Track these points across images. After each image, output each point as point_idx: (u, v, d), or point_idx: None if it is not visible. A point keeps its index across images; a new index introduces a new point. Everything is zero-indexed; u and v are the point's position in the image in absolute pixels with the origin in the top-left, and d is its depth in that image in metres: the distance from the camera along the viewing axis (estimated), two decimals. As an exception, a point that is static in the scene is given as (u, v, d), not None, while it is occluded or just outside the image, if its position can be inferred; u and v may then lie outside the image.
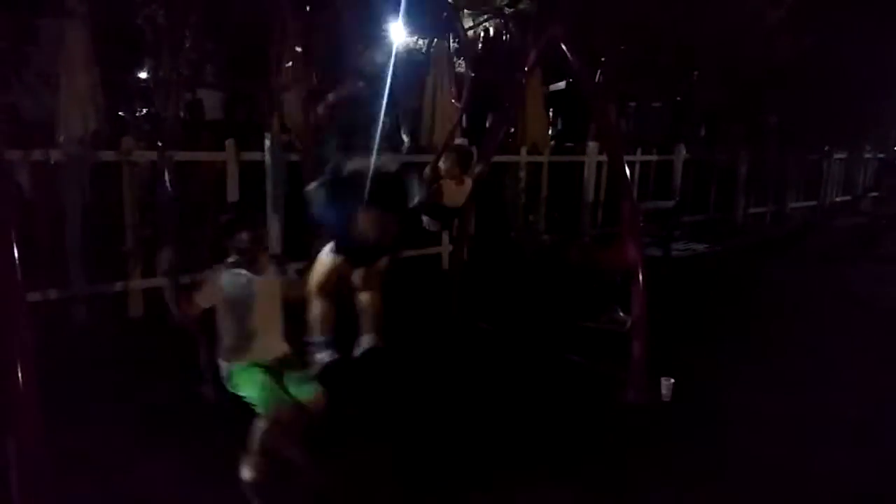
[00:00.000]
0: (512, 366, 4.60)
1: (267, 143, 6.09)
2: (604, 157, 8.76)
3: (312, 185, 4.03)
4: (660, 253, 8.35)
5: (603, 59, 9.29)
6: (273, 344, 3.06)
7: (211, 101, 8.63)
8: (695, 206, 10.91)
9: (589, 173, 9.09)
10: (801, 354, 5.02)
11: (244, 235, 2.96)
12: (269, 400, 2.80)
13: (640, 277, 4.00)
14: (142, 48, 6.57)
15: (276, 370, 2.96)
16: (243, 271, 2.98)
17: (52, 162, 5.10)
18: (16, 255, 2.07)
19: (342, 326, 4.10)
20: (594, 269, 5.93)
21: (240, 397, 2.87)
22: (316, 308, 3.97)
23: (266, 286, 3.01)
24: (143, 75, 7.41)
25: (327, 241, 4.07)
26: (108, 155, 5.35)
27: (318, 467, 2.89)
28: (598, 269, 5.85)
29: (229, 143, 5.84)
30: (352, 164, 3.95)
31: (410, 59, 8.79)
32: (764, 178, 12.08)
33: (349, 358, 4.06)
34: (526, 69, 5.15)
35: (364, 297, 4.21)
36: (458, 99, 8.12)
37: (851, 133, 13.76)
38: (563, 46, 4.32)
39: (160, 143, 5.61)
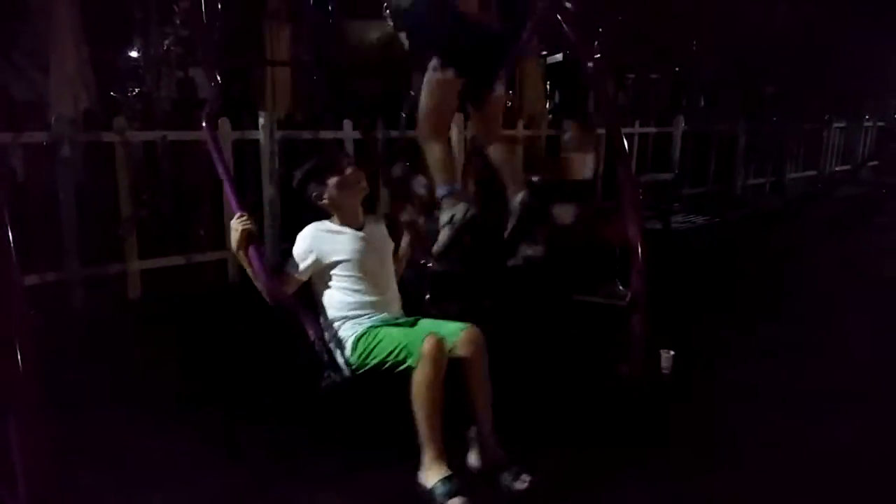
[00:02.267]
0: (509, 340, 4.59)
1: (261, 121, 6.02)
2: (602, 131, 8.69)
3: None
4: (659, 225, 8.33)
5: (600, 29, 9.17)
6: (394, 308, 2.81)
7: (204, 80, 8.55)
8: (694, 178, 10.86)
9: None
10: (802, 325, 5.02)
11: (332, 181, 2.69)
12: (414, 341, 2.43)
13: (640, 251, 3.98)
14: (132, 25, 6.50)
15: (404, 325, 2.65)
16: (339, 227, 2.75)
17: (44, 143, 5.04)
18: (10, 237, 2.03)
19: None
20: (593, 243, 5.91)
21: (374, 370, 2.57)
22: (433, 152, 3.28)
23: (371, 242, 2.77)
24: (134, 54, 7.34)
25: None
26: (100, 135, 5.29)
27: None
28: (598, 242, 5.83)
29: (223, 121, 5.78)
30: None
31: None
32: (763, 148, 12.01)
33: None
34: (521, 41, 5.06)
35: (493, 151, 3.55)
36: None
37: (851, 101, 13.67)
38: (560, 17, 4.24)
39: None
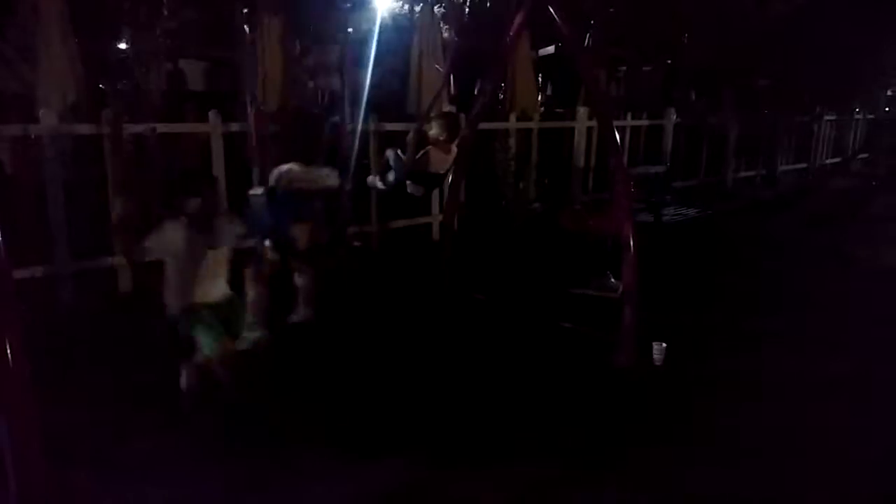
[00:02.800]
0: (503, 333, 4.61)
1: (250, 111, 5.98)
2: (594, 123, 8.68)
3: (256, 193, 4.40)
4: (651, 218, 8.35)
5: (592, 21, 9.17)
6: (216, 291, 3.34)
7: (193, 72, 8.49)
8: (685, 170, 10.88)
9: (579, 139, 9.02)
10: (793, 315, 5.05)
11: (191, 201, 3.24)
12: (212, 340, 3.13)
13: (631, 243, 3.98)
14: (120, 18, 6.44)
15: (220, 313, 3.26)
16: (188, 230, 3.25)
17: (32, 136, 4.99)
18: (-2, 232, 2.01)
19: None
20: (585, 236, 5.92)
21: (187, 335, 3.20)
22: (253, 296, 4.11)
23: (210, 245, 3.31)
24: (122, 46, 7.28)
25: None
26: (88, 128, 5.24)
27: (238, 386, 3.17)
28: (589, 235, 5.84)
29: (213, 114, 5.74)
30: (293, 176, 4.27)
31: (395, 25, 8.64)
32: (754, 141, 12.05)
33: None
34: (513, 34, 5.06)
35: (298, 278, 4.52)
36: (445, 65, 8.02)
37: (842, 94, 13.73)
38: (551, 9, 4.23)
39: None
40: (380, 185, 4.88)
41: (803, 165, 13.82)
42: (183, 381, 3.37)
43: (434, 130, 4.75)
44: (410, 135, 4.76)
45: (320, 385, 3.76)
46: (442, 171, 4.96)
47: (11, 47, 6.40)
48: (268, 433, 3.15)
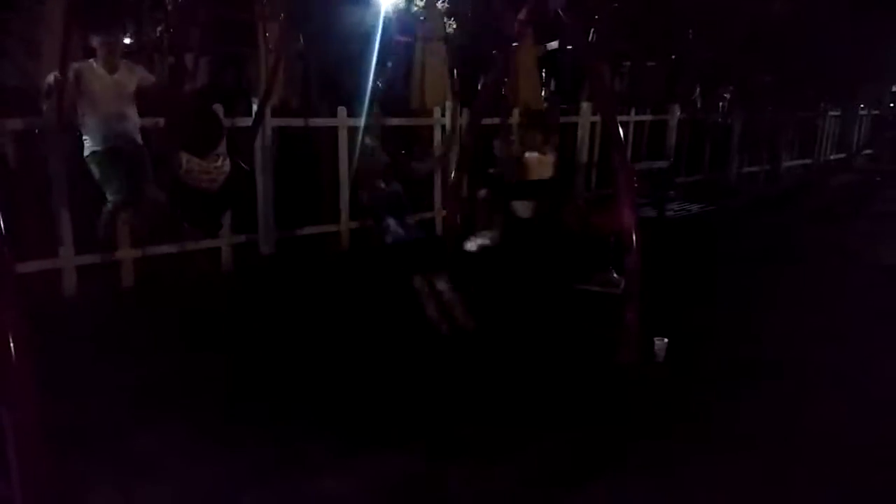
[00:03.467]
0: (506, 328, 4.60)
1: (255, 108, 5.97)
2: (597, 118, 8.66)
3: None
4: (654, 213, 8.33)
5: (596, 17, 9.13)
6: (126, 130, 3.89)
7: (197, 67, 8.47)
8: (689, 166, 10.86)
9: (582, 134, 9.01)
10: (796, 311, 5.04)
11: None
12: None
13: (634, 239, 3.98)
14: (124, 12, 6.43)
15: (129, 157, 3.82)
16: (97, 67, 3.71)
17: (36, 130, 5.00)
18: (1, 224, 2.02)
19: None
20: (588, 231, 5.91)
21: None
22: None
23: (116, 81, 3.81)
24: (126, 40, 7.26)
25: None
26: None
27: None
28: (592, 230, 5.83)
29: (216, 108, 5.72)
30: None
31: (398, 21, 8.61)
32: (758, 136, 12.02)
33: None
34: (516, 29, 5.04)
35: None
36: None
37: (846, 90, 13.67)
38: (556, 5, 4.22)
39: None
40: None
41: (807, 161, 13.78)
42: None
43: (522, 135, 4.60)
44: (497, 149, 4.62)
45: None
46: (546, 176, 4.79)
47: (15, 41, 6.39)
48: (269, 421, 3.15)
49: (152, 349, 4.03)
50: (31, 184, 5.05)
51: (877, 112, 16.30)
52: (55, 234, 5.05)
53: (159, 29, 7.19)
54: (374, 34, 7.10)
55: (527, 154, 4.68)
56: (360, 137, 5.50)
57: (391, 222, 4.43)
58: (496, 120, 6.45)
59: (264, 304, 5.09)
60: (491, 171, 4.87)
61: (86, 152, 4.45)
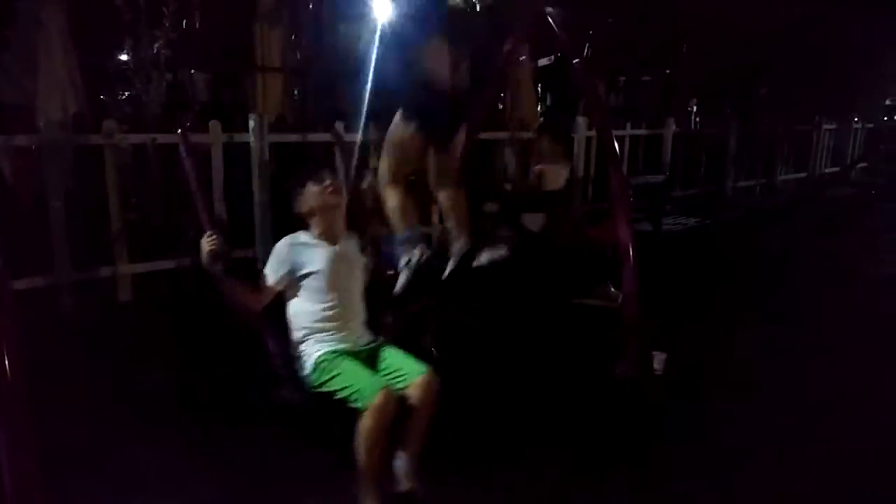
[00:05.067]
0: (502, 342, 4.59)
1: (252, 124, 6.00)
2: (593, 133, 8.70)
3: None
4: (650, 227, 8.35)
5: (591, 32, 9.21)
6: (359, 327, 2.75)
7: (196, 84, 8.52)
8: (685, 180, 10.90)
9: (578, 149, 9.04)
10: (793, 325, 5.05)
11: (312, 190, 2.70)
12: (367, 388, 2.42)
13: (631, 252, 3.98)
14: (121, 29, 6.46)
15: (367, 357, 2.66)
16: (315, 240, 2.72)
17: (33, 147, 5.01)
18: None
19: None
20: (584, 245, 5.90)
21: (328, 394, 2.54)
22: (393, 198, 3.46)
23: (344, 257, 2.74)
24: (124, 57, 7.29)
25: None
26: (89, 138, 5.26)
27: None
28: (589, 244, 5.83)
29: (213, 124, 5.76)
30: None
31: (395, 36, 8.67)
32: (753, 150, 12.07)
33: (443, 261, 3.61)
34: (512, 44, 5.07)
35: (442, 198, 3.69)
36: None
37: (841, 103, 13.77)
38: (550, 20, 4.25)
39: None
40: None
41: (803, 175, 13.84)
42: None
43: (544, 144, 4.67)
44: (508, 161, 4.65)
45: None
46: (559, 188, 4.84)
47: (14, 58, 6.43)
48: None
49: (147, 364, 4.01)
50: (28, 200, 5.06)
51: (871, 125, 16.40)
52: (52, 250, 5.03)
53: (157, 46, 7.23)
54: (373, 49, 7.14)
55: (544, 165, 4.73)
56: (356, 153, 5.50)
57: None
58: (493, 134, 6.48)
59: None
60: (506, 186, 4.87)
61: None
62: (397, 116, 3.45)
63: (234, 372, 4.01)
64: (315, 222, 2.77)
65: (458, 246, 3.65)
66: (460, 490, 2.86)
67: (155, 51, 7.00)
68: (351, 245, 2.86)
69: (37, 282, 4.94)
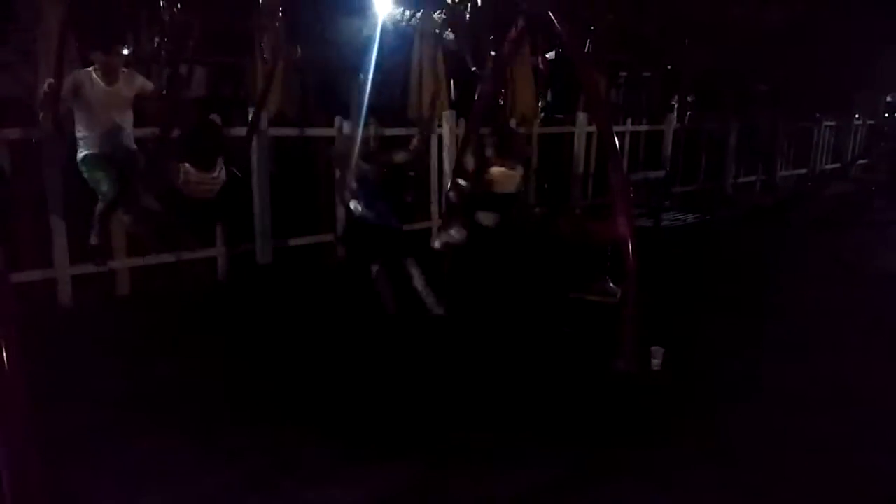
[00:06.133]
0: (503, 338, 4.60)
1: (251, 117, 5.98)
2: (594, 128, 8.69)
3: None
4: (650, 223, 8.35)
5: (592, 27, 9.18)
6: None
7: (195, 77, 8.49)
8: (685, 175, 10.89)
9: (579, 144, 9.03)
10: (793, 320, 5.05)
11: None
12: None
13: (631, 248, 3.99)
14: (121, 23, 6.44)
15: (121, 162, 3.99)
16: (95, 77, 3.94)
17: (33, 140, 4.99)
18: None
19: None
20: (584, 241, 5.91)
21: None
22: None
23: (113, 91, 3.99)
24: (124, 52, 7.27)
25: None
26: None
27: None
28: (589, 240, 5.84)
29: (213, 118, 5.73)
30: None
31: (396, 31, 8.64)
32: (754, 147, 12.06)
33: None
34: (512, 39, 5.07)
35: None
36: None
37: (841, 99, 13.75)
38: (551, 15, 4.24)
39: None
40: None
41: (803, 171, 13.83)
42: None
43: (491, 148, 4.77)
44: (465, 160, 4.76)
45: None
46: (512, 190, 4.95)
47: (12, 51, 6.41)
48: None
49: (147, 357, 4.02)
50: (27, 194, 5.05)
51: (872, 122, 16.38)
52: (51, 243, 5.03)
53: (157, 40, 7.21)
54: (371, 44, 7.14)
55: (493, 168, 4.81)
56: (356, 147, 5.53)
57: (357, 203, 4.56)
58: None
59: (260, 313, 5.08)
60: (461, 181, 5.02)
61: (79, 157, 4.45)
62: None
63: (232, 364, 4.04)
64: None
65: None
66: (458, 488, 2.86)
67: (155, 44, 7.01)
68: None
69: (35, 275, 4.94)
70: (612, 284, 5.33)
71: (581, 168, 9.09)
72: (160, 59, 7.07)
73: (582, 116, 8.92)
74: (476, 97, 8.22)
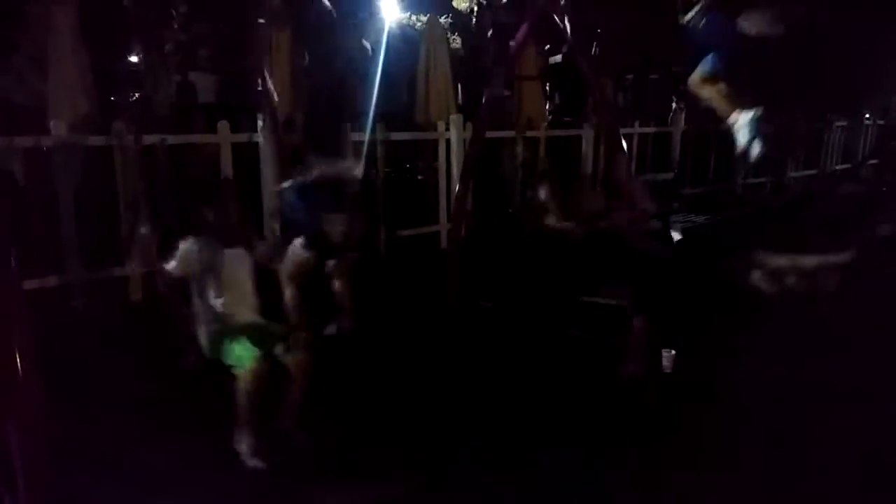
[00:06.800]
0: (512, 342, 4.60)
1: (260, 123, 6.03)
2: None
3: (284, 186, 4.42)
4: (659, 225, 8.30)
5: (599, 30, 9.18)
6: (246, 312, 3.27)
7: (204, 84, 8.54)
8: (694, 177, 10.85)
9: (587, 148, 9.03)
10: (803, 323, 5.01)
11: (210, 212, 3.29)
12: (247, 359, 2.96)
13: (641, 246, 3.98)
14: (130, 31, 6.51)
15: (254, 335, 3.11)
16: (213, 243, 3.23)
17: (44, 148, 5.05)
18: (9, 241, 2.03)
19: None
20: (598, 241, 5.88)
21: (221, 364, 3.06)
22: (289, 295, 4.15)
23: (235, 257, 3.27)
24: (134, 59, 7.35)
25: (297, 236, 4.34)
26: (99, 139, 5.30)
27: (305, 432, 3.14)
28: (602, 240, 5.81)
29: (222, 125, 5.79)
30: (319, 169, 4.39)
31: (403, 36, 8.68)
32: (763, 147, 11.98)
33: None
34: (518, 42, 5.07)
35: (336, 285, 4.58)
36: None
37: (851, 99, 13.66)
38: (557, 18, 4.25)
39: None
40: None
41: (813, 172, 13.75)
42: (240, 442, 3.04)
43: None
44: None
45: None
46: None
47: (25, 59, 6.48)
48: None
49: (161, 362, 4.04)
50: (38, 200, 5.10)
51: (882, 122, 16.26)
52: (63, 249, 5.07)
53: (167, 47, 7.26)
54: (379, 50, 7.18)
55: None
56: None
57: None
58: (499, 133, 6.50)
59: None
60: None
61: None
62: (298, 244, 4.27)
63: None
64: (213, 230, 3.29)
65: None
66: (466, 490, 2.86)
67: (164, 52, 7.06)
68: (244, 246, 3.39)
69: (49, 281, 4.98)
70: (623, 288, 5.31)
71: (589, 171, 9.08)
72: (170, 67, 7.13)
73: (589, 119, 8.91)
74: (483, 101, 8.27)
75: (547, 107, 9.87)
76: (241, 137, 5.99)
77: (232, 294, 3.21)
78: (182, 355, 3.34)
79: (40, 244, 5.00)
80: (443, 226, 7.42)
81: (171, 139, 5.62)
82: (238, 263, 3.29)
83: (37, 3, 5.94)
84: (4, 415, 1.97)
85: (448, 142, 7.49)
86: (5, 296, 2.01)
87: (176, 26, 6.38)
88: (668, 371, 4.01)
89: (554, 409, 3.64)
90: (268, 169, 6.09)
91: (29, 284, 4.67)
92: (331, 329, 4.62)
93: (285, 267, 4.03)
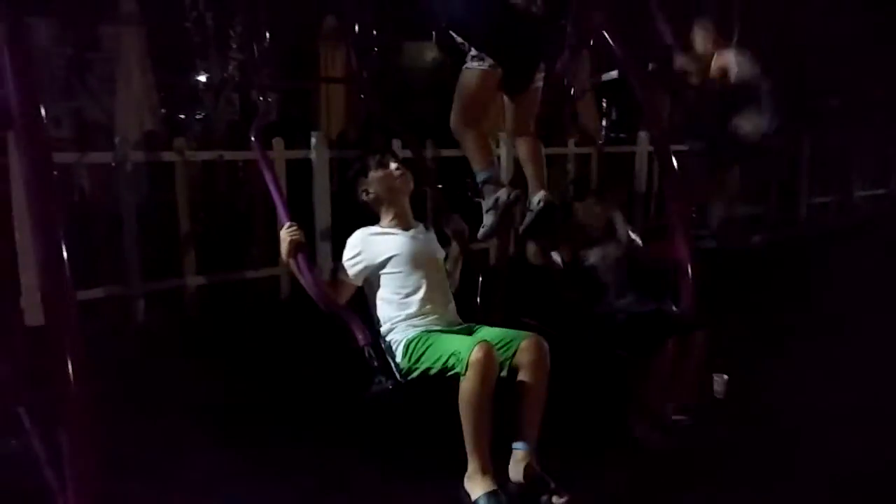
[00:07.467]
0: (557, 360, 4.52)
1: (313, 140, 6.15)
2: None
3: None
4: (713, 245, 8.07)
5: (654, 45, 9.03)
6: (448, 311, 2.78)
7: (262, 102, 8.81)
8: (754, 195, 10.51)
9: (640, 164, 8.88)
10: (864, 350, 4.78)
11: (376, 175, 2.72)
12: (464, 349, 2.30)
13: (689, 271, 3.89)
14: (194, 51, 6.78)
15: (458, 333, 2.58)
16: (387, 228, 2.75)
17: (111, 163, 5.29)
18: (64, 253, 2.11)
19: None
20: (643, 262, 5.77)
21: (424, 375, 2.50)
22: (468, 140, 3.18)
23: (420, 243, 2.76)
24: (201, 78, 7.64)
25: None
26: (162, 155, 5.51)
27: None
28: (647, 261, 5.70)
29: (276, 141, 5.94)
30: None
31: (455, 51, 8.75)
32: (827, 165, 11.54)
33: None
34: (564, 58, 5.02)
35: (520, 145, 3.53)
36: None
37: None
38: (606, 34, 4.20)
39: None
40: None
41: (882, 191, 13.14)
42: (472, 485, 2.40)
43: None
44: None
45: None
46: None
47: (96, 79, 6.84)
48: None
49: (212, 375, 4.14)
50: (104, 213, 5.33)
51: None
52: (126, 262, 5.26)
53: (228, 67, 7.52)
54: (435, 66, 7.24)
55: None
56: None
57: None
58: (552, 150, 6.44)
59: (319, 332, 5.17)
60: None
61: None
62: (471, 51, 3.07)
63: (297, 379, 4.12)
64: (384, 211, 2.81)
65: (536, 198, 3.31)
66: None
67: (225, 72, 7.33)
68: (427, 234, 2.90)
69: (111, 291, 5.18)
70: (673, 307, 5.18)
71: (643, 188, 8.92)
72: (232, 86, 7.38)
73: (643, 135, 8.77)
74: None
75: (602, 122, 9.78)
76: (297, 154, 6.10)
77: (430, 289, 2.68)
78: (360, 381, 2.60)
79: (104, 255, 5.21)
80: (491, 242, 7.39)
81: (228, 155, 5.79)
82: (426, 245, 2.81)
83: (108, 27, 6.27)
84: (57, 424, 2.05)
85: (497, 158, 7.47)
86: (60, 305, 2.10)
87: (234, 46, 6.61)
88: (720, 397, 3.89)
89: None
90: (320, 185, 6.21)
91: (92, 294, 4.86)
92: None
93: (457, 97, 3.12)
